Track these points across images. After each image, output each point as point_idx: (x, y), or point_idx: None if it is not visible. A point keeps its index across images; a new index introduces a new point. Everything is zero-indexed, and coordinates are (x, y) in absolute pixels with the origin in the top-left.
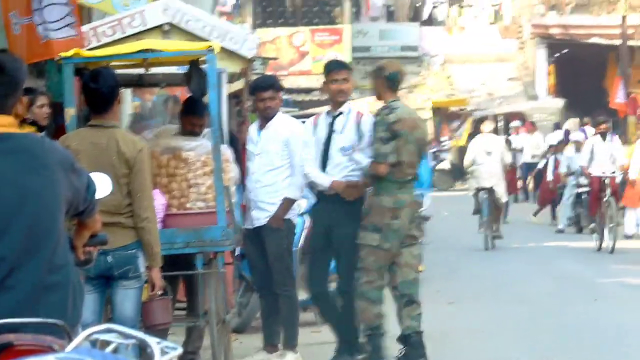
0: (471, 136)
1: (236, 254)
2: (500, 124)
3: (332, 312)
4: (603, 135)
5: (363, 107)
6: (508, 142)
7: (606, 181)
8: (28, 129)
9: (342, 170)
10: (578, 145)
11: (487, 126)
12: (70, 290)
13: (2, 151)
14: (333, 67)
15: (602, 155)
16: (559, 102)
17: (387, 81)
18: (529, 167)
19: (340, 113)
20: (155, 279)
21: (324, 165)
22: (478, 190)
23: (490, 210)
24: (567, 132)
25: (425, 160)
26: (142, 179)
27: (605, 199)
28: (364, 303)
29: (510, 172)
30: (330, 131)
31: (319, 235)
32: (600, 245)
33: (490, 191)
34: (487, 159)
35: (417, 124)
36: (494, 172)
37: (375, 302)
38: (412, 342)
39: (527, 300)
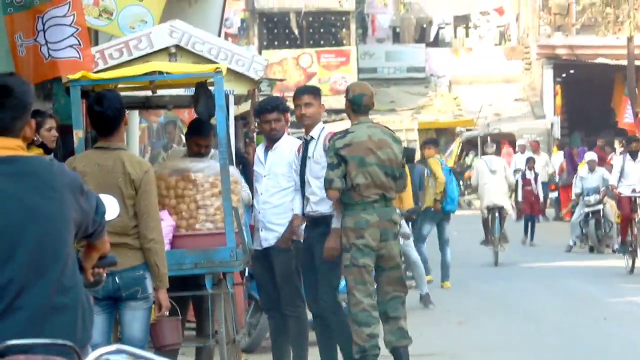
0: (460, 157)
1: (245, 274)
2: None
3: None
4: (633, 155)
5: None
6: (531, 161)
7: (638, 201)
8: (36, 152)
9: (316, 197)
10: (592, 165)
11: (489, 148)
12: (80, 311)
13: (10, 174)
14: (296, 93)
15: (633, 174)
16: (547, 123)
17: (351, 104)
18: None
19: (312, 138)
20: (162, 300)
21: (303, 191)
22: (489, 209)
23: (501, 228)
24: (569, 152)
25: (452, 179)
26: (148, 200)
27: (638, 219)
28: (354, 325)
29: (529, 193)
30: (305, 157)
31: (304, 257)
32: (633, 266)
33: (501, 209)
34: (492, 178)
35: (380, 146)
36: (501, 190)
37: (363, 324)
38: (399, 356)
39: (536, 318)
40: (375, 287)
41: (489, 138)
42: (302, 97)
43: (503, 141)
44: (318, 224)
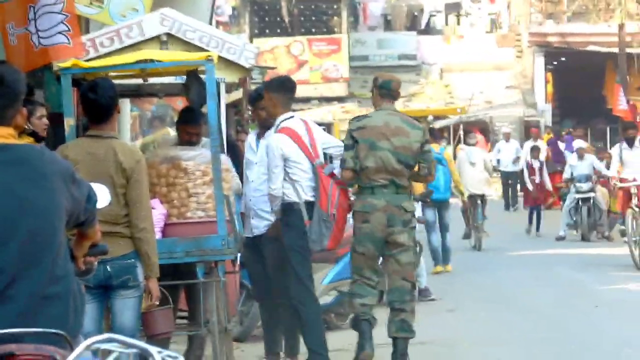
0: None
1: (237, 262)
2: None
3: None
4: (630, 142)
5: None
6: (536, 150)
7: (632, 190)
8: (27, 140)
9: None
10: (581, 153)
11: (472, 139)
12: (71, 300)
13: (2, 162)
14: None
15: (633, 163)
16: (520, 111)
17: (379, 89)
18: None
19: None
20: (153, 288)
21: None
22: (470, 197)
23: (483, 214)
24: (554, 140)
25: (443, 167)
26: (139, 189)
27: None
28: (351, 297)
29: (534, 182)
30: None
31: (272, 246)
32: None
33: (482, 197)
34: (471, 169)
35: (396, 133)
36: (480, 180)
37: (357, 295)
38: (395, 345)
39: (527, 306)
40: (379, 269)
41: (461, 127)
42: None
43: (475, 129)
44: (284, 212)
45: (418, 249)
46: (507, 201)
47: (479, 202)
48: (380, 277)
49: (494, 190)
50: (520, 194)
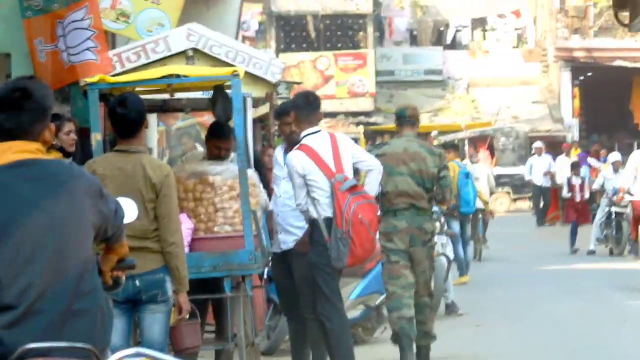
0: None
1: (264, 277)
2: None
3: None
4: None
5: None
6: (577, 166)
7: None
8: (55, 155)
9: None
10: (617, 165)
11: (474, 158)
12: (99, 315)
13: (30, 177)
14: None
15: None
16: (524, 127)
17: (396, 117)
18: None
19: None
20: (183, 303)
21: None
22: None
23: (484, 228)
24: (584, 155)
25: (470, 184)
26: (168, 203)
27: None
28: (389, 314)
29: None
30: None
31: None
32: None
33: (482, 211)
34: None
35: (413, 158)
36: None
37: (394, 309)
38: (419, 353)
39: (555, 321)
40: (411, 280)
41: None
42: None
43: (480, 144)
44: (311, 228)
45: (446, 264)
46: (540, 215)
47: (479, 215)
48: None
49: (499, 205)
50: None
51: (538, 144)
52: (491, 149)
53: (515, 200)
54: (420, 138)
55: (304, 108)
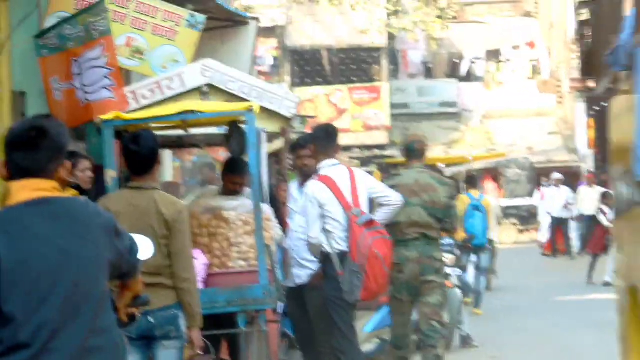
0: None
1: (280, 312)
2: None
3: None
4: None
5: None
6: (608, 196)
7: None
8: (71, 193)
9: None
10: None
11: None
12: (114, 351)
13: (46, 215)
14: (298, 144)
15: None
16: (533, 158)
17: (406, 151)
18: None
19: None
20: (195, 339)
21: None
22: None
23: (493, 258)
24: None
25: (480, 216)
26: (181, 240)
27: None
28: (391, 347)
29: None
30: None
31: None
32: None
33: (490, 241)
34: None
35: (425, 189)
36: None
37: (396, 347)
38: None
39: (569, 352)
40: (413, 317)
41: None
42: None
43: (487, 176)
44: (323, 262)
45: (460, 295)
46: (554, 247)
47: (488, 245)
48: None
49: (506, 237)
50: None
51: (557, 175)
52: (497, 180)
53: (522, 231)
54: (429, 169)
55: (323, 140)
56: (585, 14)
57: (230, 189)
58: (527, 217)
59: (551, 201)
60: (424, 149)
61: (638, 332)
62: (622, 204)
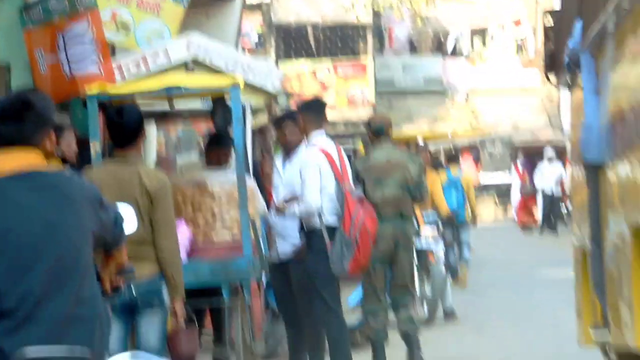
0: None
1: (263, 283)
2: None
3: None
4: None
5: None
6: None
7: None
8: (55, 164)
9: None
10: None
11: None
12: (98, 321)
13: (30, 187)
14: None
15: None
16: (518, 136)
17: (374, 132)
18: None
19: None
20: (178, 309)
21: None
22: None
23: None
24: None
25: (450, 192)
26: (164, 211)
27: None
28: (365, 313)
29: None
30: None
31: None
32: None
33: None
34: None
35: (396, 167)
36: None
37: (370, 313)
38: (406, 342)
39: (554, 326)
40: (386, 288)
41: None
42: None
43: (466, 152)
44: (307, 236)
45: (444, 270)
46: (547, 224)
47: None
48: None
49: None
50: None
51: (549, 152)
52: (477, 157)
53: (501, 208)
54: (395, 146)
55: (313, 111)
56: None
57: (215, 162)
58: (508, 194)
59: (543, 178)
60: (390, 127)
61: (587, 289)
62: (575, 182)
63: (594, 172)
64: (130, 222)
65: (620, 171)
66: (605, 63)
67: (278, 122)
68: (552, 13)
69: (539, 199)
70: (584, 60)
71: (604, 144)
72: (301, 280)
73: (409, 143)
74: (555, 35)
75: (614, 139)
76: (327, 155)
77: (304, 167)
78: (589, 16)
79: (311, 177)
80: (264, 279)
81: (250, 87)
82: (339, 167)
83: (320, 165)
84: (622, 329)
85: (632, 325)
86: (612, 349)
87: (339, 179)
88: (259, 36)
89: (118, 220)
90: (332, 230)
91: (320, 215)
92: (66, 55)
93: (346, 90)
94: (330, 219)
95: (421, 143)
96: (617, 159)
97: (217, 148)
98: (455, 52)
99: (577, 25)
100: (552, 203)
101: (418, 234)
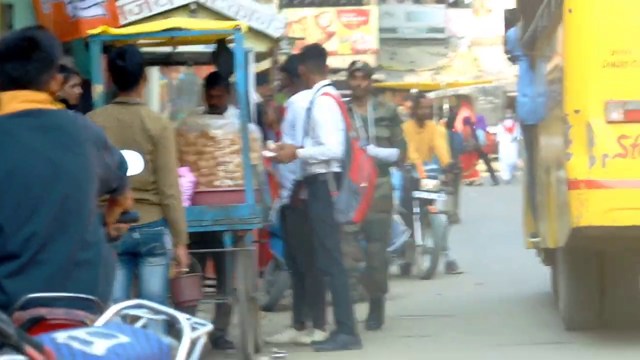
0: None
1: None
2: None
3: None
4: None
5: None
6: None
7: None
8: (58, 106)
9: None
10: None
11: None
12: (102, 266)
13: (35, 127)
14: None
15: None
16: (507, 86)
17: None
18: None
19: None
20: (181, 256)
21: None
22: None
23: None
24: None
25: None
26: (166, 156)
27: None
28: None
29: None
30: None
31: (296, 217)
32: None
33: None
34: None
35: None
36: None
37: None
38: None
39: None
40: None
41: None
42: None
43: (464, 103)
44: (309, 183)
45: (445, 220)
46: None
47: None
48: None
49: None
50: None
51: None
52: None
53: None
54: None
55: (316, 59)
56: None
57: (213, 104)
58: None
59: None
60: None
61: (528, 210)
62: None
63: (528, 129)
64: (135, 166)
65: (541, 129)
66: (535, 54)
67: (281, 68)
68: (509, 11)
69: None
70: (519, 53)
71: (533, 112)
72: (299, 228)
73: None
74: (515, 15)
75: (539, 109)
76: (340, 104)
77: (320, 112)
78: (527, 17)
79: (328, 121)
80: (269, 228)
81: (253, 32)
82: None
83: (336, 110)
84: (544, 235)
85: (547, 233)
86: (541, 250)
87: (348, 126)
88: None
89: (123, 164)
90: (337, 177)
91: (327, 163)
92: None
93: (349, 37)
94: (336, 166)
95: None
96: (540, 122)
97: (212, 87)
98: (458, 1)
99: (511, 31)
100: None
101: (418, 184)
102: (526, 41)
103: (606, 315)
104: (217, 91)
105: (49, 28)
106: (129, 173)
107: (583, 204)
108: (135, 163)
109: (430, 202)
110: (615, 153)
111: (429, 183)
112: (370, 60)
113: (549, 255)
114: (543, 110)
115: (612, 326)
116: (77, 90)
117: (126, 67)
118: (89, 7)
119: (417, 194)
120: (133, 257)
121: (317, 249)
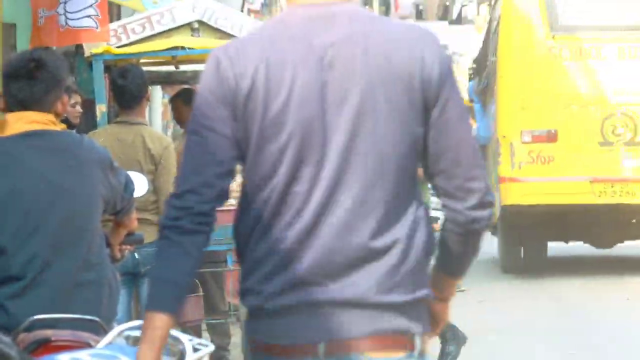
0: None
1: None
2: None
3: None
4: None
5: None
6: None
7: None
8: (61, 127)
9: None
10: None
11: None
12: (106, 287)
13: (40, 148)
14: None
15: None
16: None
17: None
18: None
19: None
20: None
21: None
22: None
23: None
24: None
25: None
26: (168, 175)
27: None
28: None
29: None
30: None
31: None
32: None
33: None
34: None
35: None
36: None
37: None
38: None
39: (557, 299)
40: None
41: None
42: None
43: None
44: None
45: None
46: None
47: None
48: None
49: None
50: None
51: None
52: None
53: None
54: None
55: None
56: None
57: (178, 120)
58: None
59: None
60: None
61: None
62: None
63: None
64: (140, 187)
65: (488, 147)
66: (484, 99)
67: None
68: (471, 68)
69: None
70: (475, 98)
71: (484, 136)
72: None
73: None
74: (474, 72)
75: (487, 134)
76: None
77: None
78: (480, 74)
79: None
80: None
81: None
82: None
83: None
84: (497, 193)
85: (499, 192)
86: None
87: None
88: None
89: (128, 185)
90: None
91: None
92: (64, 8)
93: None
94: None
95: None
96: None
97: (184, 105)
98: (460, 18)
99: (470, 83)
100: None
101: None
102: (479, 91)
103: (526, 263)
104: (186, 109)
105: (40, 39)
106: (135, 194)
107: (507, 191)
108: (140, 184)
109: (435, 220)
110: (527, 161)
111: (432, 201)
112: None
113: (493, 228)
114: (489, 135)
115: (529, 270)
116: (78, 109)
117: (128, 86)
118: (80, 18)
119: None
120: (133, 277)
121: None
